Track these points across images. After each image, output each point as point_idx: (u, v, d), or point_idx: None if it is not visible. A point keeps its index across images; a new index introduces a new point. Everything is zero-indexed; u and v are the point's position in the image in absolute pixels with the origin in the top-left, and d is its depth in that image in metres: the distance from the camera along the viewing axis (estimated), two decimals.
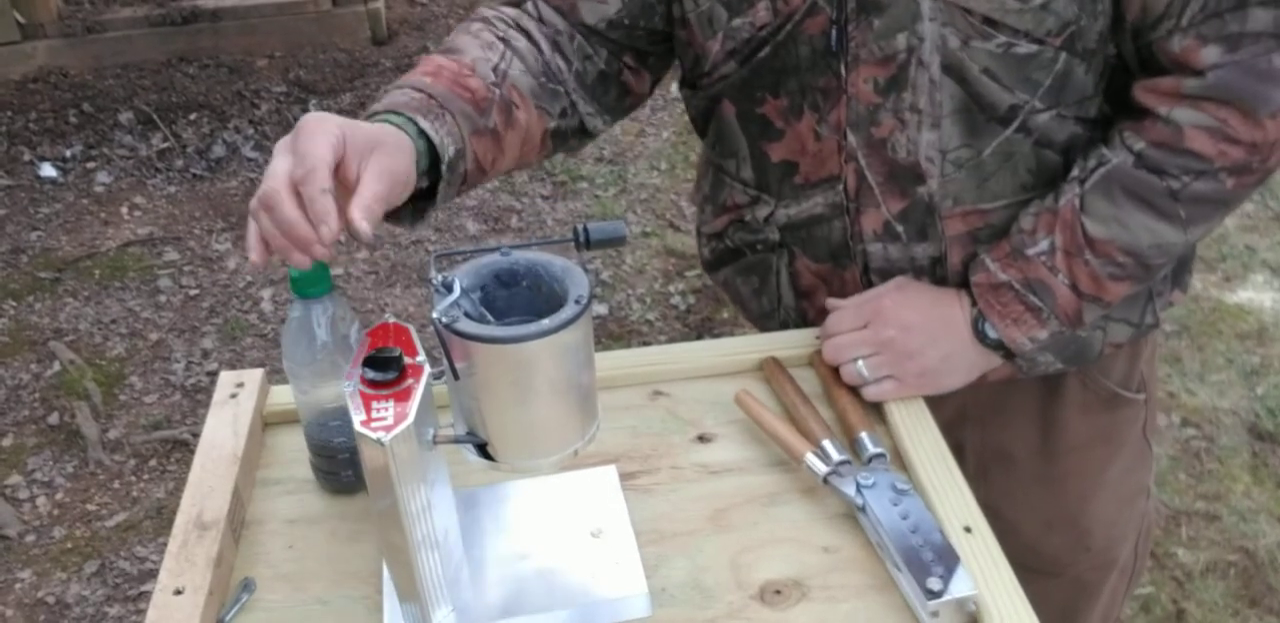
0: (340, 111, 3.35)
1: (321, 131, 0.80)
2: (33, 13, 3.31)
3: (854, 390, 1.04)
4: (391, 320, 0.80)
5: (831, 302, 1.08)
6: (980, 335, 1.02)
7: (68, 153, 3.21)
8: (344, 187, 0.80)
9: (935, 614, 0.83)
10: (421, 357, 0.77)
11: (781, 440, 0.98)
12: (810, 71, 1.01)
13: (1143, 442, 1.27)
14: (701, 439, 1.03)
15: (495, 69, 1.02)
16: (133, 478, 2.34)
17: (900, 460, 1.00)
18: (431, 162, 0.91)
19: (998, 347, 1.02)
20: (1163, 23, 0.93)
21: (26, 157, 3.20)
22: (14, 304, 2.77)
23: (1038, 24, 0.93)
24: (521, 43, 1.06)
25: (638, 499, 0.97)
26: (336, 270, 2.86)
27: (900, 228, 1.05)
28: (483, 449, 0.80)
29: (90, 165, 3.20)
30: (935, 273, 1.07)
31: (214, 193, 3.15)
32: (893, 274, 1.08)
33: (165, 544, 0.90)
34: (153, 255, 2.93)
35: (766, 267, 1.17)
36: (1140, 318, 1.13)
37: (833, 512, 0.95)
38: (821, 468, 0.94)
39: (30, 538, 2.21)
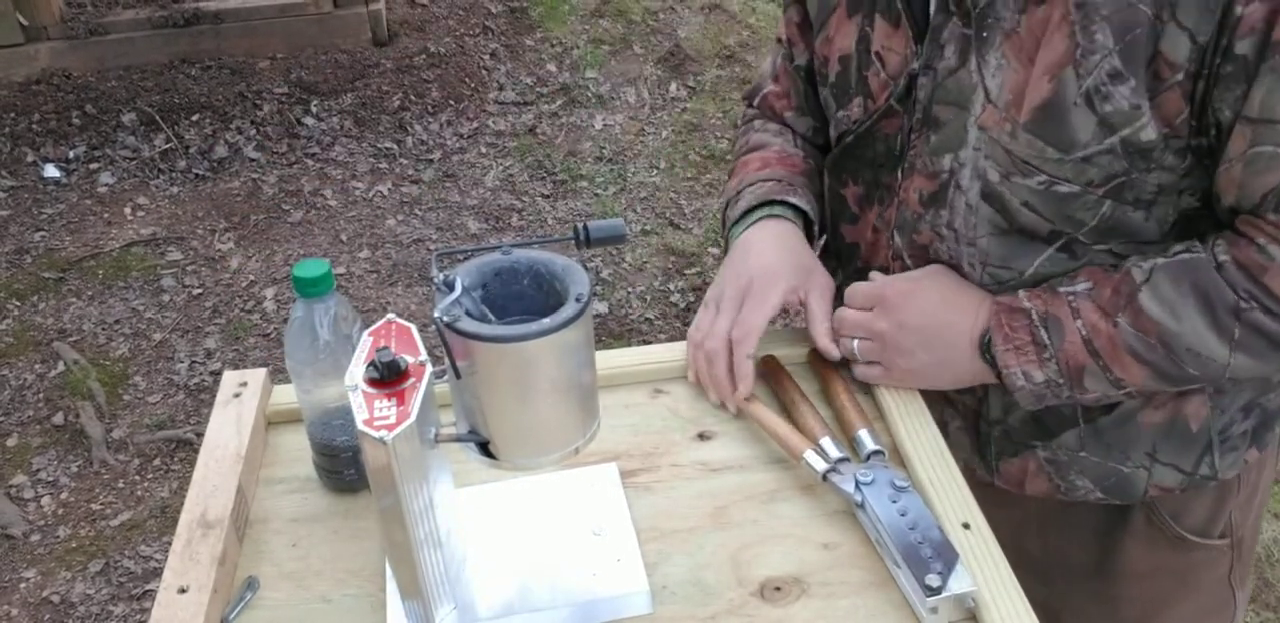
0: (341, 112, 3.37)
1: (771, 293, 1.03)
2: (36, 15, 3.31)
3: (851, 388, 1.04)
4: (394, 319, 0.81)
5: (873, 274, 1.07)
6: (984, 349, 0.98)
7: (71, 154, 3.22)
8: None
9: (934, 611, 0.84)
10: (423, 355, 0.77)
11: (781, 438, 0.98)
12: (881, 169, 1.05)
13: (1224, 588, 1.18)
14: (702, 437, 1.04)
15: (797, 146, 1.19)
16: (137, 477, 2.35)
17: (899, 457, 1.00)
18: (806, 222, 1.12)
19: (993, 365, 0.98)
20: (1263, 203, 0.87)
21: (30, 158, 3.21)
22: (18, 304, 2.77)
23: (1078, 174, 0.90)
24: (789, 132, 1.22)
25: (638, 497, 0.97)
26: (338, 270, 2.86)
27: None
28: (484, 447, 0.80)
29: (93, 166, 3.21)
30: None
31: (217, 193, 3.15)
32: None
33: (169, 543, 0.90)
34: (156, 256, 2.94)
35: None
36: (1194, 467, 1.06)
37: (832, 508, 0.96)
38: (821, 465, 0.94)
39: (35, 537, 2.22)
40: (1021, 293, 0.97)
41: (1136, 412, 1.04)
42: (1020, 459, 1.10)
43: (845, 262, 1.15)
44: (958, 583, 0.83)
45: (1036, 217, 0.95)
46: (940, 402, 1.09)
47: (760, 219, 1.10)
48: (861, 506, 0.91)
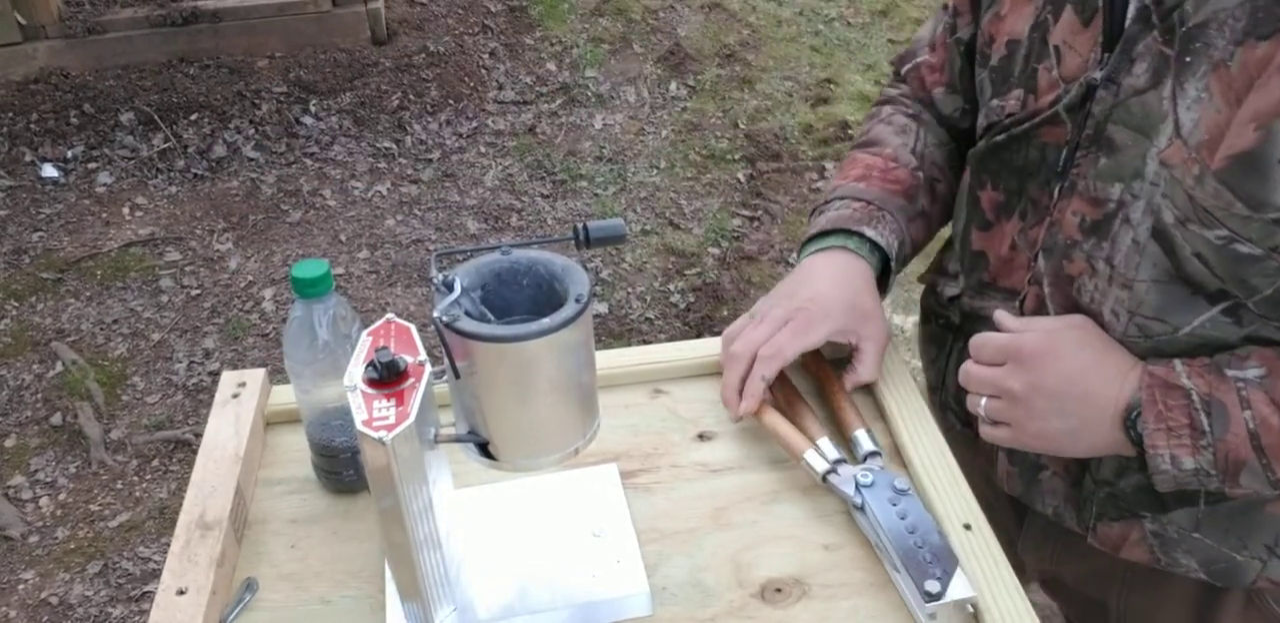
0: (340, 111, 3.36)
1: (818, 327, 0.99)
2: (34, 14, 3.31)
3: (847, 389, 1.03)
4: (393, 320, 0.80)
5: (999, 315, 0.94)
6: (1128, 422, 0.86)
7: (69, 153, 3.22)
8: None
9: (933, 617, 0.83)
10: (422, 356, 0.77)
11: (782, 438, 0.98)
12: (1030, 179, 0.96)
13: None
14: (702, 438, 1.03)
15: (914, 151, 1.11)
16: (135, 478, 2.34)
17: (899, 458, 1.00)
18: (882, 258, 1.06)
19: (1138, 443, 0.86)
20: None
21: (28, 157, 3.20)
22: (16, 305, 2.77)
23: (1265, 236, 0.79)
24: (926, 115, 1.13)
25: (638, 498, 0.97)
26: (337, 270, 2.86)
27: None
28: (484, 448, 0.80)
29: (91, 166, 3.21)
30: None
31: (215, 193, 3.15)
32: None
33: (168, 544, 0.90)
34: (154, 256, 2.93)
35: (942, 343, 1.13)
36: None
37: (832, 509, 0.95)
38: (821, 466, 0.94)
39: (34, 539, 2.21)
40: (1179, 365, 0.85)
41: (1266, 501, 0.94)
42: (1122, 525, 0.99)
43: (970, 271, 1.06)
44: (957, 589, 0.83)
45: (1206, 271, 0.83)
46: None
47: (831, 247, 1.05)
48: (861, 508, 0.91)
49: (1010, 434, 0.92)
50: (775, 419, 0.99)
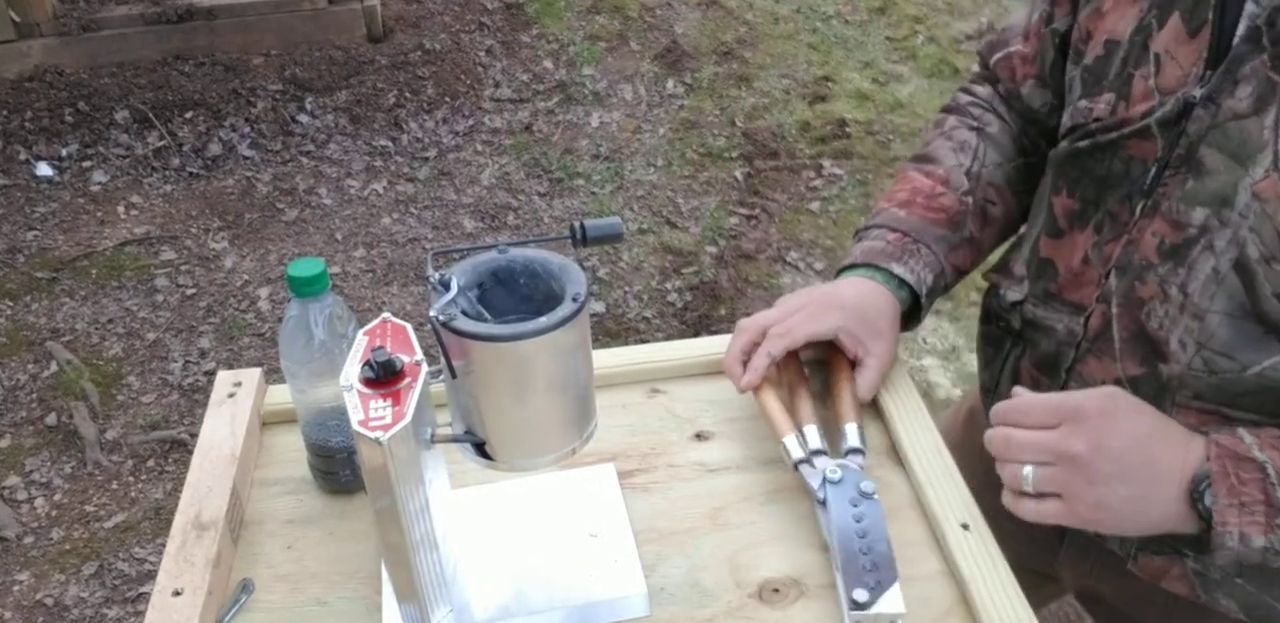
0: (336, 109, 3.35)
1: (828, 318, 0.99)
2: (28, 11, 3.30)
3: (855, 380, 1.01)
4: (389, 319, 0.80)
5: (1017, 390, 0.88)
6: (1194, 495, 0.80)
7: (64, 152, 3.21)
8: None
9: None
10: (419, 355, 0.77)
11: (769, 417, 0.97)
12: (1110, 191, 0.92)
13: None
14: (699, 437, 1.03)
15: (969, 173, 1.07)
16: (131, 479, 2.34)
17: (897, 456, 1.00)
18: (912, 293, 1.04)
19: (1205, 517, 0.80)
20: None
21: (22, 156, 3.19)
22: (10, 304, 2.76)
23: None
24: (995, 126, 1.09)
25: (636, 498, 0.97)
26: (334, 269, 2.85)
27: (1132, 391, 0.90)
28: (481, 448, 0.80)
29: (86, 164, 3.20)
30: None
31: (210, 191, 3.14)
32: None
33: (164, 545, 0.90)
34: (149, 255, 2.93)
35: (1000, 345, 1.10)
36: None
37: None
38: (796, 453, 0.93)
39: (29, 540, 2.21)
40: (1247, 436, 0.81)
41: None
42: (1164, 560, 0.97)
43: (1036, 278, 1.02)
44: (886, 604, 0.82)
45: None
46: None
47: (860, 276, 1.04)
48: (823, 504, 0.90)
49: (1063, 507, 0.81)
50: (769, 398, 0.99)
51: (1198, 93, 0.82)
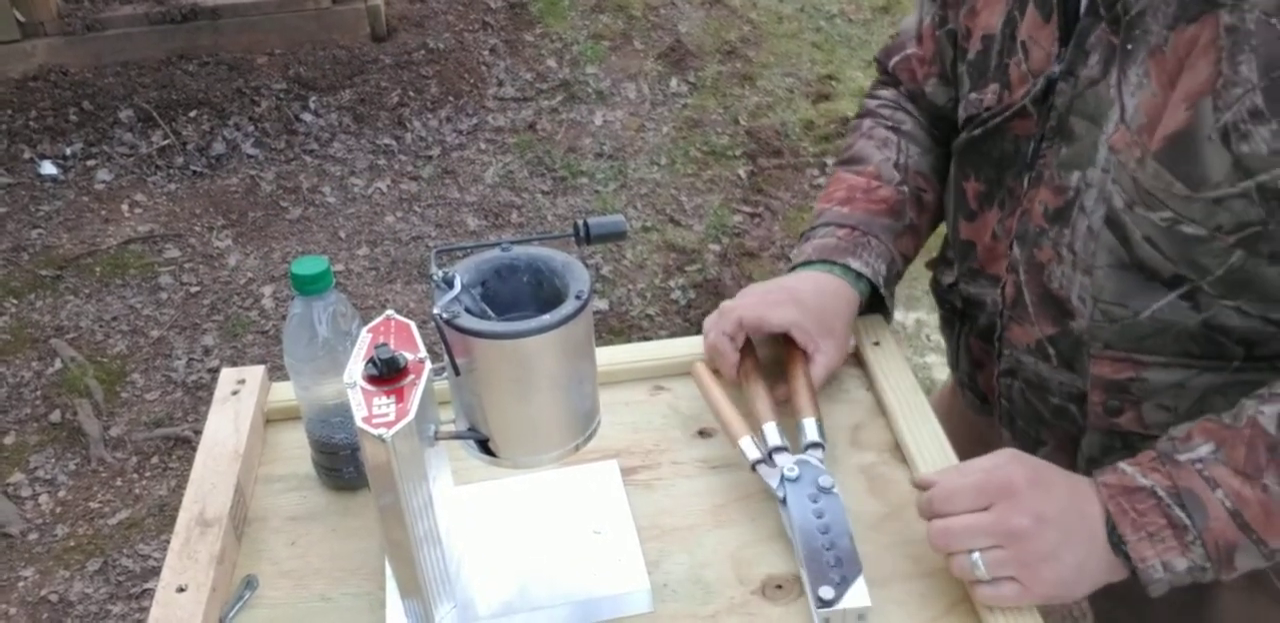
0: (340, 108, 3.36)
1: (786, 306, 1.00)
2: (32, 11, 3.30)
3: (810, 372, 1.01)
4: (393, 316, 0.80)
5: (930, 477, 0.87)
6: (1112, 540, 0.81)
7: (68, 151, 3.21)
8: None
9: (827, 622, 0.83)
10: (422, 353, 0.77)
11: (722, 420, 0.97)
12: (1006, 170, 0.98)
13: None
14: (702, 434, 1.03)
15: (897, 165, 1.12)
16: (135, 475, 2.34)
17: (899, 454, 1.00)
18: (870, 285, 1.07)
19: (1128, 559, 0.80)
20: None
21: (27, 155, 3.20)
22: (15, 302, 2.77)
23: (1206, 216, 0.81)
24: (908, 124, 1.14)
25: (639, 495, 0.97)
26: (337, 267, 2.86)
27: (1051, 350, 0.98)
28: (484, 445, 0.80)
29: (91, 163, 3.20)
30: (1074, 412, 1.00)
31: (214, 190, 3.14)
32: (1042, 390, 1.02)
33: (168, 542, 0.90)
34: (153, 253, 2.93)
35: (952, 326, 1.17)
36: None
37: None
38: (753, 455, 0.93)
39: (33, 536, 2.21)
40: (1126, 467, 0.82)
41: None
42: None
43: (960, 259, 1.09)
44: (853, 598, 0.82)
45: (1159, 255, 0.85)
46: None
47: (819, 271, 1.06)
48: (784, 502, 0.90)
49: (1020, 589, 0.80)
50: (721, 399, 0.99)
51: (1057, 69, 0.89)
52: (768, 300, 1.02)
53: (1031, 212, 0.95)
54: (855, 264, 1.06)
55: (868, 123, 1.17)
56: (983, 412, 1.16)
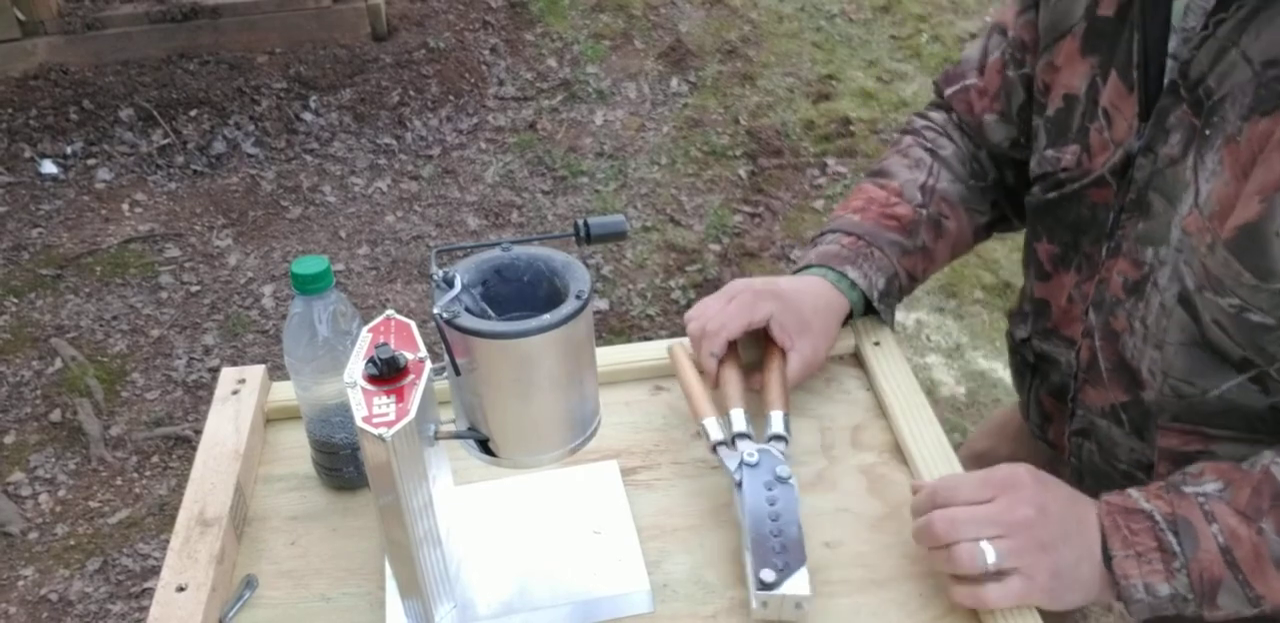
0: (340, 107, 3.36)
1: (762, 306, 1.00)
2: (33, 10, 3.30)
3: (785, 368, 1.01)
4: (393, 316, 0.80)
5: (919, 482, 0.91)
6: (1104, 554, 0.82)
7: (68, 150, 3.21)
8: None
9: (764, 605, 0.83)
10: (423, 352, 0.77)
11: (691, 399, 0.98)
12: (1082, 235, 0.99)
13: None
14: (702, 434, 1.03)
15: (923, 187, 1.11)
16: (135, 475, 2.34)
17: (901, 456, 1.00)
18: (863, 296, 1.07)
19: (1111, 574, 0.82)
20: None
21: (27, 154, 3.20)
22: (15, 301, 2.77)
23: (1274, 306, 0.81)
24: (948, 150, 1.13)
25: (639, 495, 0.97)
26: (337, 266, 2.86)
27: (1123, 416, 0.99)
28: (484, 445, 0.80)
29: (91, 162, 3.20)
30: (1142, 479, 1.00)
31: (215, 189, 3.14)
32: (1112, 454, 1.02)
33: (168, 541, 0.90)
34: (154, 252, 2.93)
35: (1023, 376, 1.17)
36: None
37: (834, 507, 0.95)
38: (715, 436, 0.94)
39: (33, 535, 2.21)
40: (1133, 491, 0.84)
41: None
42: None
43: (1035, 317, 1.10)
44: (792, 586, 0.83)
45: (1227, 338, 0.85)
46: None
47: (814, 275, 1.07)
48: (739, 485, 0.90)
49: (1024, 583, 0.80)
50: (693, 381, 0.99)
51: (1137, 144, 0.89)
52: (742, 302, 1.01)
53: (1110, 281, 0.95)
54: (852, 273, 1.06)
55: (907, 140, 1.16)
56: (1054, 461, 1.13)
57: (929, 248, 1.11)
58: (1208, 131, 0.82)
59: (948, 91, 1.14)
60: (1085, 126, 0.95)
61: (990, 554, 0.80)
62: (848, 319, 1.09)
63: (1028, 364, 1.15)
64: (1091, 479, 1.08)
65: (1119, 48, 0.91)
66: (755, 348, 1.06)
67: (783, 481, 0.90)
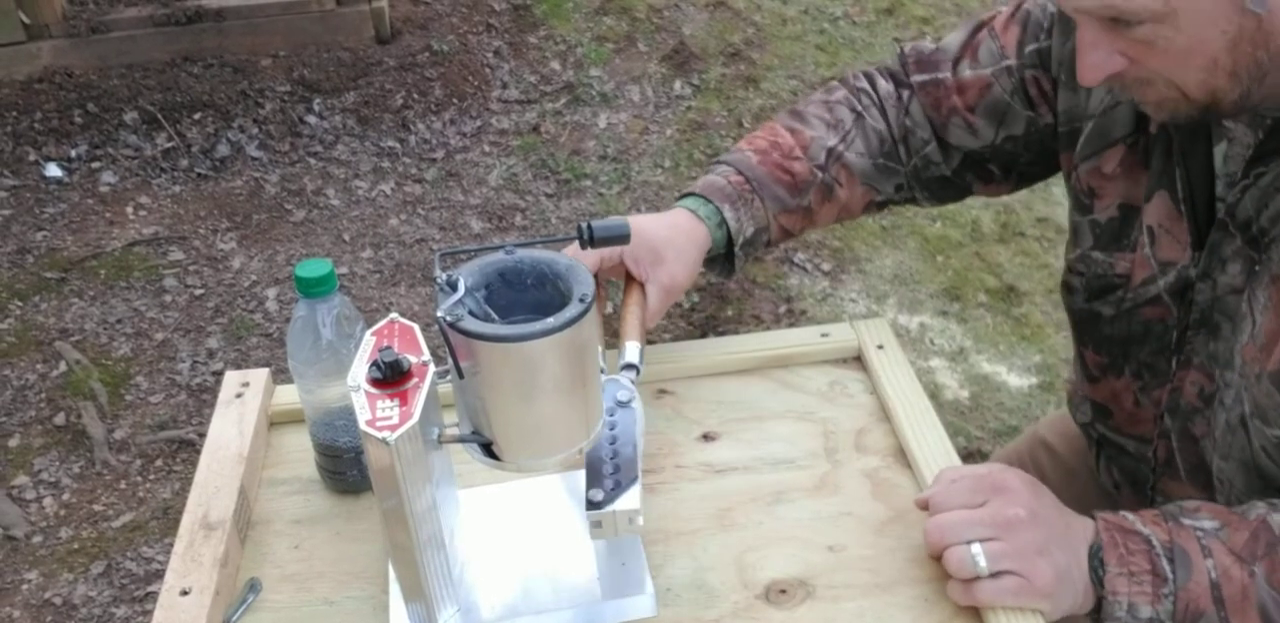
0: (344, 110, 3.36)
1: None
2: (38, 13, 3.31)
3: (644, 305, 1.01)
4: (396, 319, 0.80)
5: (943, 472, 0.90)
6: (1092, 564, 0.82)
7: (73, 153, 3.22)
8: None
9: (598, 525, 0.83)
10: (426, 356, 0.77)
11: (624, 326, 1.00)
12: (1138, 346, 0.99)
13: None
14: (706, 438, 1.03)
15: (830, 151, 1.10)
16: (139, 478, 2.34)
17: (904, 458, 1.00)
18: (728, 236, 1.06)
19: (1101, 587, 0.82)
20: None
21: (32, 157, 3.20)
22: (20, 304, 2.77)
23: None
24: (872, 124, 1.12)
25: (642, 498, 0.97)
26: (341, 269, 2.86)
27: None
28: (488, 448, 0.80)
29: (95, 165, 3.21)
30: None
31: (219, 192, 3.15)
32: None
33: (171, 545, 0.90)
34: (158, 255, 2.93)
35: (1089, 443, 1.17)
36: None
37: (838, 511, 0.95)
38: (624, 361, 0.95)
39: (37, 539, 2.21)
40: (1129, 515, 0.84)
41: None
42: None
43: (1095, 415, 1.10)
44: (623, 502, 0.82)
45: (1273, 466, 0.87)
46: None
47: (683, 207, 1.07)
48: None
49: (1021, 582, 0.81)
50: (629, 312, 1.01)
51: (1193, 272, 0.91)
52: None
53: (1184, 390, 0.96)
54: (728, 212, 1.06)
55: (840, 94, 1.13)
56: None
57: (813, 210, 1.10)
58: (1256, 268, 0.85)
59: (916, 78, 1.11)
60: (1137, 239, 0.96)
61: (981, 558, 0.81)
62: (721, 269, 1.10)
63: (1092, 440, 1.16)
64: None
65: (1166, 171, 0.91)
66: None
67: (623, 405, 0.89)
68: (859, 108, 1.12)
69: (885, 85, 1.14)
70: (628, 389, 0.91)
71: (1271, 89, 0.79)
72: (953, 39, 1.11)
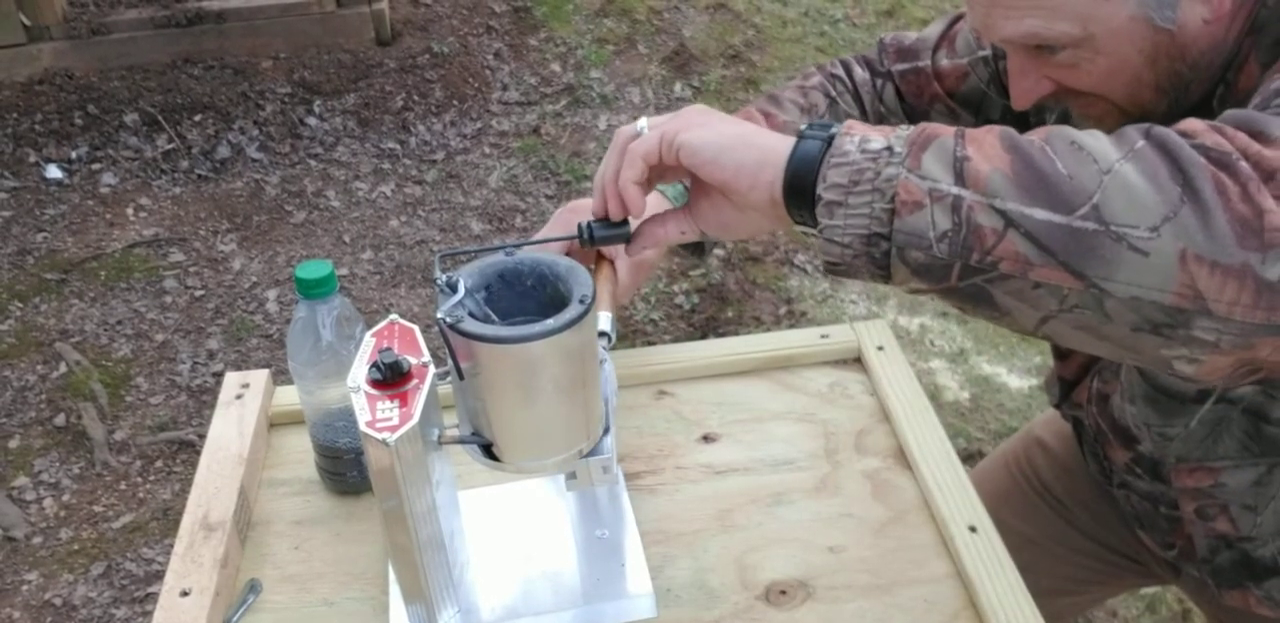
0: (344, 112, 3.36)
1: (576, 218, 0.89)
2: (38, 15, 3.31)
3: (615, 278, 0.99)
4: (397, 321, 0.80)
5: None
6: (800, 133, 0.72)
7: (73, 154, 3.22)
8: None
9: (573, 476, 0.83)
10: (426, 357, 0.77)
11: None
12: None
13: None
14: (706, 439, 1.03)
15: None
16: (139, 479, 2.34)
17: (905, 459, 1.00)
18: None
19: (822, 130, 0.71)
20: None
21: (32, 158, 3.21)
22: (20, 306, 2.77)
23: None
24: (849, 110, 1.12)
25: (643, 500, 0.97)
26: (341, 271, 2.86)
27: (1139, 470, 1.06)
28: (488, 450, 0.80)
29: (96, 167, 3.21)
30: (1181, 519, 1.05)
31: (219, 194, 3.15)
32: (1153, 501, 1.08)
33: (172, 546, 0.90)
34: (158, 256, 2.93)
35: (1078, 430, 1.20)
36: None
37: (838, 512, 0.95)
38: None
39: (37, 540, 2.21)
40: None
41: None
42: (1240, 593, 1.06)
43: (1051, 387, 1.16)
44: (594, 451, 0.81)
45: (1162, 376, 0.92)
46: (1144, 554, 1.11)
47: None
48: None
49: (664, 132, 0.76)
50: (600, 288, 0.97)
51: None
52: (569, 218, 0.96)
53: None
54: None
55: (816, 80, 1.13)
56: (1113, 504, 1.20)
57: None
58: None
59: (897, 67, 1.12)
60: None
61: (643, 124, 0.78)
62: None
63: (1070, 426, 1.20)
64: (1148, 525, 1.12)
65: None
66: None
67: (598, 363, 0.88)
68: (833, 94, 1.12)
69: (861, 73, 1.15)
70: (603, 350, 0.90)
71: (1198, 96, 0.83)
72: (932, 30, 1.14)
